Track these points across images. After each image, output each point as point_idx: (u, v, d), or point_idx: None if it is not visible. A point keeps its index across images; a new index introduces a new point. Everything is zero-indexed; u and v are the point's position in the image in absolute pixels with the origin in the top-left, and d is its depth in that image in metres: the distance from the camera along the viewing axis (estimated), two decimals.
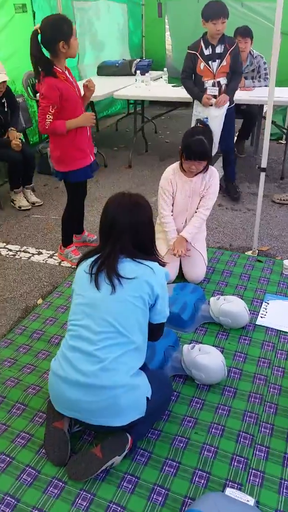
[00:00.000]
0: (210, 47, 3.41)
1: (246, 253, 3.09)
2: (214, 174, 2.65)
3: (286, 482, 1.62)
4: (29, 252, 3.23)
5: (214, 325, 2.40)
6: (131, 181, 4.41)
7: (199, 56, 3.43)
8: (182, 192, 2.65)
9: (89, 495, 1.59)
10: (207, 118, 3.52)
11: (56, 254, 3.17)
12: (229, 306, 2.29)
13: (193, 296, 2.40)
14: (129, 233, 1.68)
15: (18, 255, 3.19)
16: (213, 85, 3.49)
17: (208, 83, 3.50)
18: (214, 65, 3.44)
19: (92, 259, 1.71)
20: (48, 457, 1.69)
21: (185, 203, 2.67)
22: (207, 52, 3.42)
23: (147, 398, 1.66)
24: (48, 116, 2.51)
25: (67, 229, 3.01)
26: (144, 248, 1.73)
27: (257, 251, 3.09)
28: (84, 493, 1.60)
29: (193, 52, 3.45)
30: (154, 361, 2.02)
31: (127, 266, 1.65)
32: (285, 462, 1.69)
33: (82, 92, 2.73)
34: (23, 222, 3.70)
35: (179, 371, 2.07)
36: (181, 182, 2.64)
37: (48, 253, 3.22)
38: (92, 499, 1.58)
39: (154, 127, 5.99)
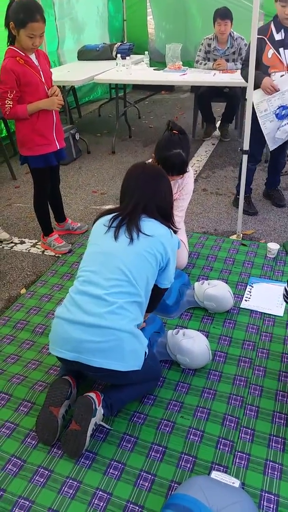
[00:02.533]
0: (282, 31, 2.79)
1: (230, 237, 3.08)
2: (189, 175, 2.51)
3: (271, 463, 1.63)
4: (11, 242, 3.18)
5: (199, 310, 2.39)
6: (114, 167, 4.35)
7: (267, 41, 2.78)
8: None
9: (76, 483, 1.58)
10: (283, 105, 2.85)
11: (39, 243, 3.13)
12: (213, 290, 2.28)
13: (178, 281, 2.39)
14: (153, 197, 1.78)
15: (0, 245, 3.14)
16: None
17: (276, 75, 2.83)
18: (287, 53, 2.82)
19: (112, 215, 1.78)
20: (37, 435, 1.71)
21: None
22: (278, 37, 2.79)
23: (145, 353, 1.69)
24: (7, 102, 2.44)
25: (39, 217, 2.94)
26: (163, 213, 1.82)
27: (241, 235, 3.08)
28: (70, 481, 1.59)
29: (260, 36, 2.71)
30: None
31: (147, 224, 1.74)
32: (270, 443, 1.70)
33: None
34: (5, 211, 3.63)
35: (165, 357, 2.06)
36: None
37: (31, 242, 3.17)
38: (79, 486, 1.57)
39: (138, 112, 5.91)
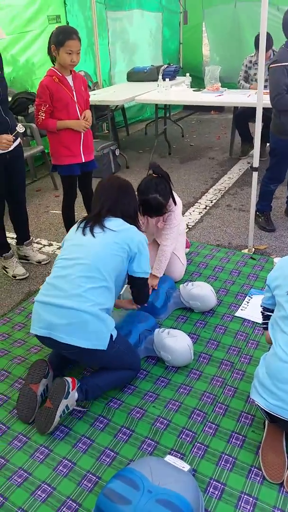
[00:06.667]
0: None
1: (242, 251, 3.18)
2: (174, 210, 2.59)
3: (225, 456, 1.73)
4: (41, 244, 3.51)
5: (195, 314, 2.52)
6: None
7: None
8: (149, 222, 2.74)
9: (46, 450, 1.79)
10: None
11: None
12: (197, 290, 2.44)
13: (164, 285, 2.56)
14: (116, 202, 2.03)
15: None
16: None
17: None
18: None
19: (82, 219, 2.06)
20: (17, 412, 1.93)
21: (150, 229, 2.79)
22: None
23: (111, 336, 1.87)
24: (40, 114, 2.82)
25: (64, 220, 3.25)
26: (128, 215, 2.05)
27: (253, 249, 3.17)
28: (42, 448, 1.80)
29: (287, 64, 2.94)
30: (129, 340, 2.18)
31: (113, 222, 1.99)
32: (231, 439, 1.80)
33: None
34: (42, 216, 3.99)
35: (151, 353, 2.22)
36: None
37: (58, 245, 3.47)
38: (48, 453, 1.77)
39: (181, 131, 6.14)
